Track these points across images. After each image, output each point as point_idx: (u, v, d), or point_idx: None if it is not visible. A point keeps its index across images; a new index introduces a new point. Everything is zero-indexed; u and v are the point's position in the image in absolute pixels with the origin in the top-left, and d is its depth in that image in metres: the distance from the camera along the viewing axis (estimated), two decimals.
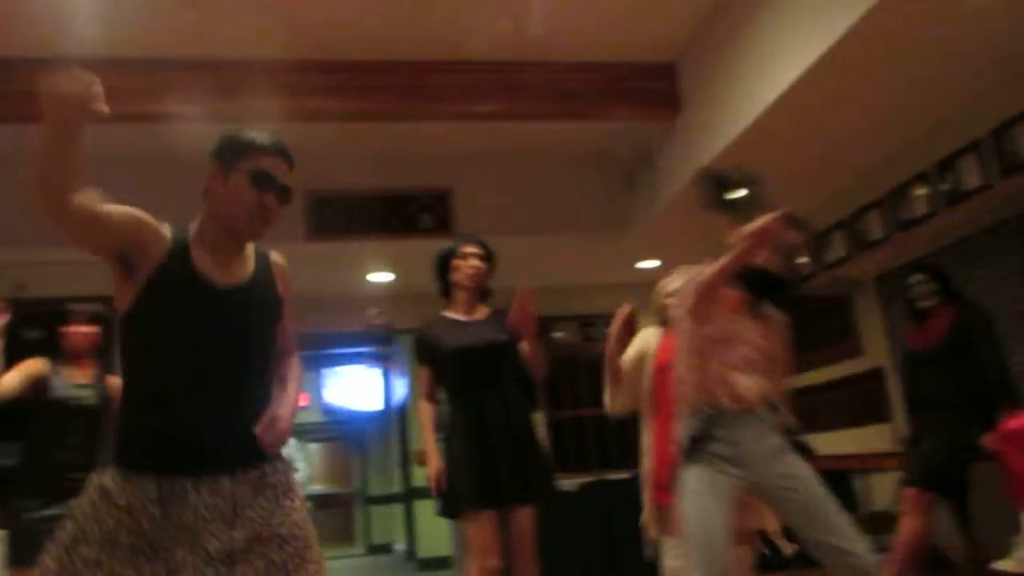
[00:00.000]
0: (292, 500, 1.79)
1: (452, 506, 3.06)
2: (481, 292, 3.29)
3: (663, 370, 2.98)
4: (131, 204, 1.73)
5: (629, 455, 6.94)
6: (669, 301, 3.21)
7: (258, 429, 1.73)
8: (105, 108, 1.50)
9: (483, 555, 2.97)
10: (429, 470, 3.11)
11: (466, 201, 5.62)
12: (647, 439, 3.17)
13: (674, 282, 2.92)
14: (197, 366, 1.73)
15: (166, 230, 1.78)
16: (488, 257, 3.29)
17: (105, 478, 1.69)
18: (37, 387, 3.20)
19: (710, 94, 4.57)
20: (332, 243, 5.29)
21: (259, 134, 1.86)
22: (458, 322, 3.22)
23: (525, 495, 3.03)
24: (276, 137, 1.87)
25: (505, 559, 3.05)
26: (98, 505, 1.65)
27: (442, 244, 3.37)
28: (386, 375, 10.46)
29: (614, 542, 5.25)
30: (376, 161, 5.47)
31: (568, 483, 5.68)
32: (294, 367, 2.02)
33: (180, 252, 1.76)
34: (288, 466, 1.84)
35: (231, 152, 1.82)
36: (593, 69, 4.70)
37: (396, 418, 10.42)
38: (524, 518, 3.04)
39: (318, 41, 4.25)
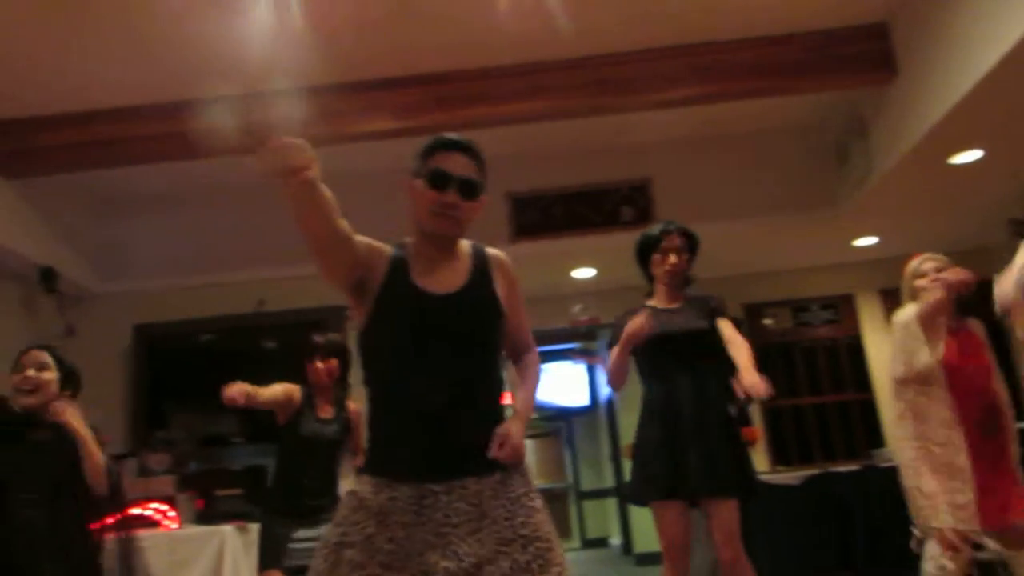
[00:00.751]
0: (533, 502, 1.79)
1: (638, 492, 3.01)
2: (682, 282, 3.24)
3: (956, 371, 2.87)
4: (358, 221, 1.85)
5: (855, 445, 6.61)
6: (921, 283, 3.06)
7: (492, 449, 1.75)
8: (312, 173, 1.60)
9: (670, 549, 2.92)
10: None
11: (666, 190, 5.55)
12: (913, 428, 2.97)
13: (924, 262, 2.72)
14: (429, 374, 1.77)
15: (388, 249, 1.86)
16: (690, 247, 3.22)
17: (361, 487, 1.78)
18: (290, 415, 3.45)
19: (930, 51, 4.20)
20: (535, 243, 5.41)
21: (443, 135, 1.88)
22: (657, 310, 3.19)
23: (716, 486, 2.90)
24: (457, 136, 1.88)
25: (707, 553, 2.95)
26: (357, 512, 1.74)
27: (637, 236, 3.34)
28: (592, 371, 10.54)
29: (847, 537, 4.95)
30: (573, 158, 5.54)
31: (788, 476, 5.45)
32: (531, 366, 2.01)
33: (400, 268, 1.83)
34: (527, 469, 1.84)
35: (418, 161, 1.87)
36: (792, 40, 4.48)
37: (604, 413, 10.47)
38: (724, 511, 2.90)
39: (509, 46, 4.36)
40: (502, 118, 4.60)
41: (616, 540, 10.67)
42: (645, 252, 3.25)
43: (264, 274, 5.42)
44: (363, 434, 3.29)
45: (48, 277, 5.06)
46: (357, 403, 3.47)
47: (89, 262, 5.58)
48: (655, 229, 3.24)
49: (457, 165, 1.84)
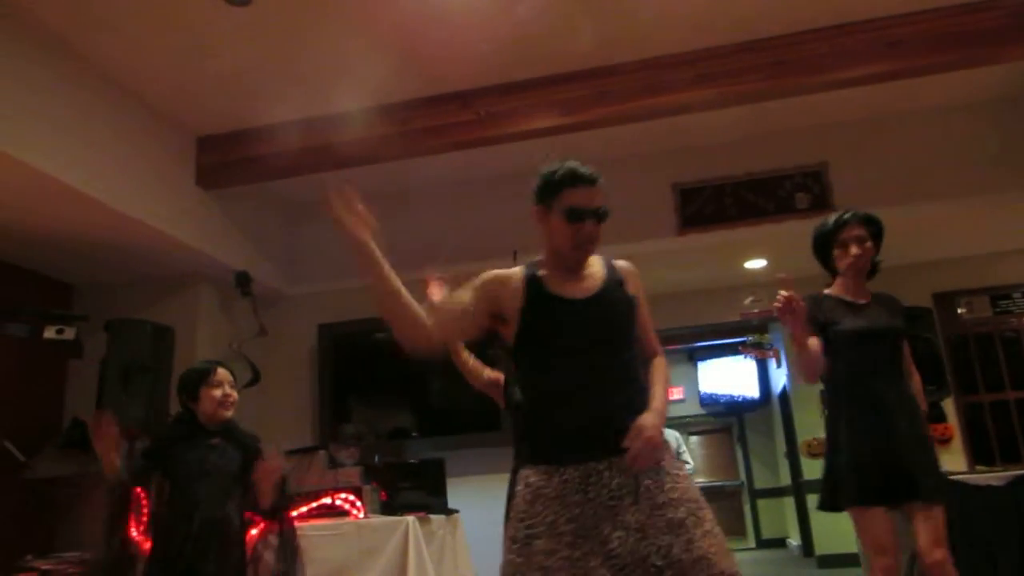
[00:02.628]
0: (679, 471, 1.99)
1: (835, 497, 2.87)
2: (868, 272, 3.06)
3: None
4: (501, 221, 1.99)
5: None
6: None
7: (627, 441, 1.89)
8: (363, 230, 2.04)
9: (881, 554, 2.78)
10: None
11: (844, 175, 5.24)
12: None
13: None
14: (579, 370, 1.99)
15: (517, 273, 2.11)
16: (873, 234, 3.03)
17: (529, 477, 1.97)
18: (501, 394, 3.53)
19: None
20: (704, 234, 5.28)
21: (565, 170, 2.07)
22: (849, 303, 3.02)
23: (927, 490, 2.76)
24: (580, 167, 2.07)
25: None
26: (535, 503, 1.92)
27: (813, 224, 3.18)
28: (763, 365, 10.17)
29: None
30: (742, 145, 5.35)
31: (991, 477, 5.04)
32: (660, 368, 2.16)
33: (535, 284, 2.07)
34: (668, 445, 2.02)
35: (545, 194, 2.09)
36: (994, 6, 4.09)
37: (778, 409, 10.09)
38: (933, 514, 2.77)
39: (675, 34, 4.27)
40: (668, 109, 4.51)
41: (794, 541, 10.27)
42: (824, 246, 3.10)
43: (439, 272, 5.60)
44: None
45: (243, 281, 5.45)
46: None
47: (279, 266, 5.98)
48: (830, 220, 3.08)
49: (587, 198, 2.05)
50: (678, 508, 1.91)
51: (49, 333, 4.34)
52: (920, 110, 5.19)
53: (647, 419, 1.93)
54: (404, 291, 2.01)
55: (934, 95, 5.03)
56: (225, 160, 5.06)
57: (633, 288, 2.13)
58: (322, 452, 4.60)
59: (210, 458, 2.99)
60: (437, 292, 3.28)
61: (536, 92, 4.56)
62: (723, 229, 5.30)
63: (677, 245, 5.37)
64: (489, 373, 3.51)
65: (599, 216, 2.05)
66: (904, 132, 5.25)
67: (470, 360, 3.39)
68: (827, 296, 3.07)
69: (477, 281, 2.10)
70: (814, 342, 2.92)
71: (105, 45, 4.10)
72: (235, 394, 3.13)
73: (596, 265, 2.13)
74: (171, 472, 2.99)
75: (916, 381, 3.00)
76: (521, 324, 2.04)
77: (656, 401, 2.03)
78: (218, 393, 3.03)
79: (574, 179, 2.06)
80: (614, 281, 2.10)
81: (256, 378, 5.62)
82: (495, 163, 5.28)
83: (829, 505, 2.93)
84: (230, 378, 3.15)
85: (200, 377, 3.06)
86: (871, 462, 2.80)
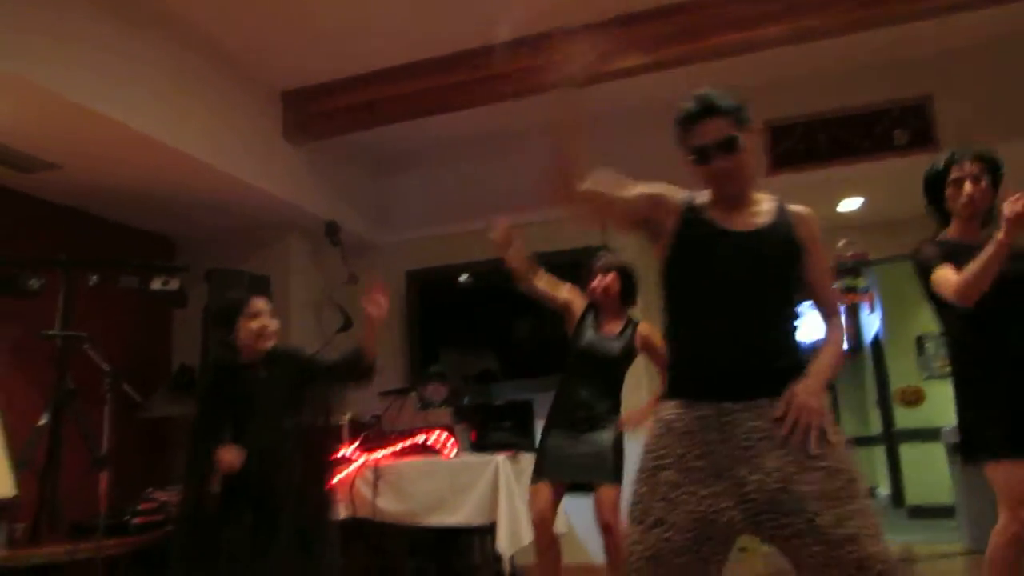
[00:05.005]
0: (836, 436, 1.87)
1: (974, 450, 2.74)
2: (986, 216, 2.86)
3: None
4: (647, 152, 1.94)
5: None
6: None
7: (778, 410, 1.84)
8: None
9: (1014, 508, 2.62)
10: None
11: (949, 109, 4.95)
12: None
13: None
14: (724, 305, 1.92)
15: (680, 195, 2.02)
16: (990, 172, 2.84)
17: (665, 411, 1.93)
18: (573, 326, 3.56)
19: None
20: (796, 174, 5.12)
21: (687, 107, 1.97)
22: (966, 246, 2.81)
23: None
24: (693, 103, 1.96)
25: None
26: (666, 436, 1.89)
27: (922, 161, 3.01)
28: (856, 310, 9.88)
29: None
30: (836, 80, 5.13)
31: None
32: (831, 330, 2.05)
33: (695, 210, 1.99)
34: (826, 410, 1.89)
35: (678, 141, 2.00)
36: None
37: (870, 356, 9.83)
38: None
39: None
40: (756, 44, 4.36)
41: (883, 491, 10.08)
42: (934, 188, 2.92)
43: (523, 218, 5.63)
44: (662, 357, 3.30)
45: (332, 231, 5.60)
46: (650, 328, 3.51)
47: (367, 215, 6.11)
48: (940, 160, 2.92)
49: (709, 132, 1.92)
50: (833, 478, 1.79)
51: (155, 284, 4.56)
52: None
53: (801, 386, 1.86)
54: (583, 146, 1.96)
55: None
56: (309, 114, 5.17)
57: (806, 234, 1.99)
58: (413, 394, 4.74)
59: (257, 392, 2.88)
60: (505, 237, 3.32)
61: (617, 32, 4.47)
62: (816, 168, 5.13)
63: (768, 186, 5.21)
64: (564, 292, 3.56)
65: (724, 147, 1.92)
66: (1018, 58, 4.90)
67: (542, 281, 3.45)
68: (947, 241, 2.90)
69: (650, 188, 2.03)
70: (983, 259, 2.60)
71: (195, 6, 4.21)
72: (274, 324, 3.01)
73: (765, 201, 2.02)
74: (224, 414, 2.90)
75: None
76: (672, 246, 1.98)
77: (817, 365, 1.93)
78: (255, 325, 2.90)
79: (691, 117, 1.95)
80: (783, 223, 1.97)
81: (348, 324, 5.80)
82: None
83: (967, 457, 2.81)
84: (268, 307, 3.02)
85: (236, 308, 2.91)
86: (1010, 413, 2.65)
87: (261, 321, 2.91)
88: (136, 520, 4.30)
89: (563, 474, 3.38)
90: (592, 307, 3.60)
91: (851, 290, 8.61)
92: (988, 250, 2.52)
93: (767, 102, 5.24)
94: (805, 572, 1.81)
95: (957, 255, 2.74)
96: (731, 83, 5.35)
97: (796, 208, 2.05)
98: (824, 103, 5.17)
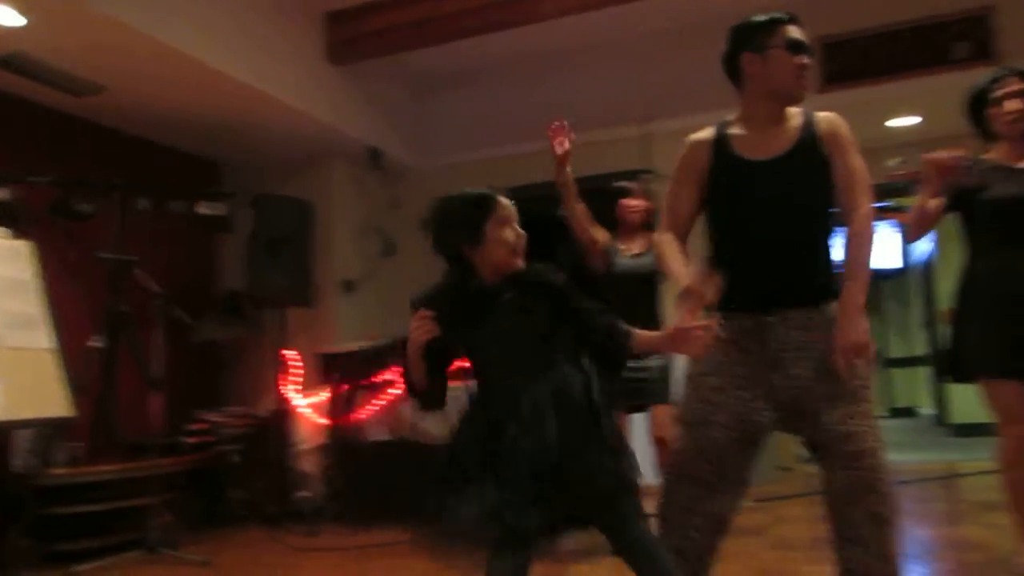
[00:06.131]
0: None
1: (966, 369, 2.77)
2: None
3: None
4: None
5: None
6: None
7: (835, 355, 2.00)
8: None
9: (1009, 423, 2.70)
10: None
11: (1012, 20, 4.70)
12: None
13: None
14: (756, 230, 2.10)
15: (707, 136, 2.19)
16: None
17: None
18: (600, 258, 3.61)
19: None
20: (850, 90, 4.93)
21: (778, 12, 2.14)
22: (1005, 168, 2.78)
23: None
24: (785, 12, 2.14)
25: None
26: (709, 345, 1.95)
27: (982, 76, 2.91)
28: (905, 230, 9.66)
29: None
30: None
31: None
32: (858, 232, 2.08)
33: (723, 145, 2.16)
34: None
35: (761, 35, 2.12)
36: None
37: (918, 277, 9.66)
38: None
39: None
40: None
41: (926, 410, 10.06)
42: (978, 104, 2.86)
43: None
44: None
45: (374, 156, 5.59)
46: None
47: (409, 140, 6.07)
48: (984, 79, 2.85)
49: (803, 34, 2.12)
50: (844, 383, 2.02)
51: (202, 209, 4.63)
52: None
53: (846, 321, 2.01)
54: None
55: None
56: (353, 34, 5.11)
57: (831, 143, 2.10)
58: None
59: (507, 326, 1.93)
60: (561, 144, 3.25)
61: None
62: (869, 85, 4.93)
63: (819, 103, 5.05)
64: (595, 232, 3.57)
65: (811, 50, 2.14)
66: None
67: (580, 207, 3.45)
68: (981, 159, 2.85)
69: (677, 162, 2.22)
70: (933, 203, 2.75)
71: None
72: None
73: (795, 119, 2.14)
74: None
75: None
76: (708, 184, 2.17)
77: (851, 288, 2.05)
78: (511, 234, 1.96)
79: (791, 17, 2.13)
80: (808, 139, 2.10)
81: (392, 250, 5.85)
82: (615, 27, 5.09)
83: (959, 376, 2.82)
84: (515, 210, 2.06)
85: (485, 209, 1.95)
86: (1004, 335, 2.67)
87: (516, 230, 1.99)
88: (190, 440, 4.47)
89: (618, 404, 3.45)
90: (613, 236, 3.67)
91: (900, 209, 8.40)
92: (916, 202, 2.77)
93: (821, 17, 5.00)
94: (820, 463, 2.09)
95: (990, 176, 2.75)
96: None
97: (822, 116, 2.15)
98: (880, 17, 4.93)
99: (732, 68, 2.20)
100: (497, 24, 4.79)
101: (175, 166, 5.52)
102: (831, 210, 2.13)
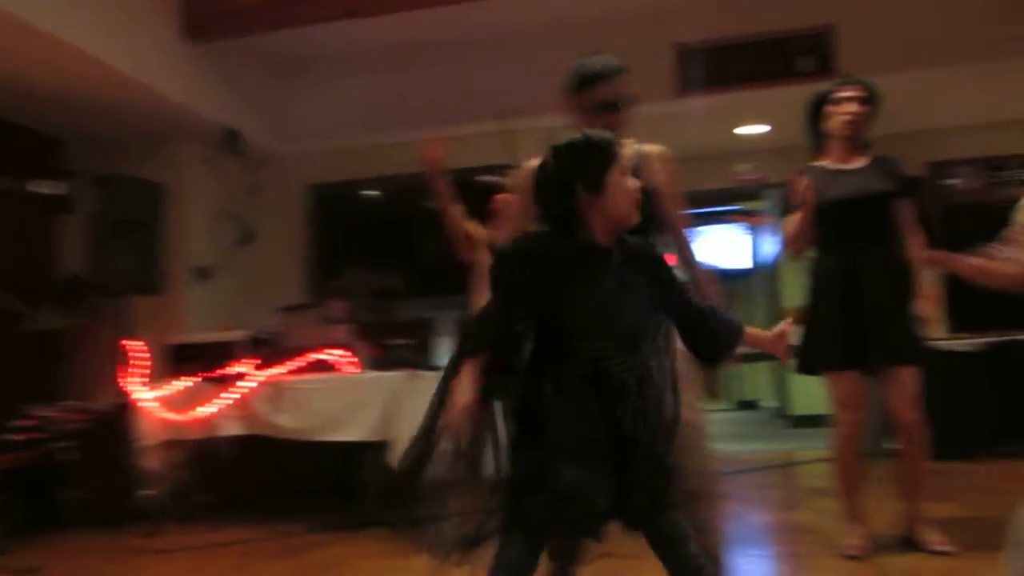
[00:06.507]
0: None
1: (812, 363, 3.00)
2: (859, 139, 3.04)
3: None
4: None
5: None
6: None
7: None
8: None
9: (845, 410, 2.96)
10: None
11: (851, 38, 5.04)
12: None
13: None
14: None
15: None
16: (869, 99, 3.00)
17: None
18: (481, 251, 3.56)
19: None
20: (702, 97, 5.14)
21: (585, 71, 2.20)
22: (834, 171, 3.02)
23: (899, 355, 2.89)
24: (597, 65, 2.20)
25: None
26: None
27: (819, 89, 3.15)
28: (755, 233, 10.21)
29: None
30: (746, 4, 5.13)
31: (968, 343, 5.24)
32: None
33: None
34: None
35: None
36: None
37: (765, 277, 10.22)
38: (906, 377, 2.91)
39: None
40: None
41: (768, 403, 10.66)
42: (816, 106, 3.10)
43: (432, 133, 5.51)
44: None
45: (231, 138, 5.36)
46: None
47: (269, 124, 5.84)
48: (825, 86, 3.10)
49: (610, 92, 2.16)
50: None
51: (37, 187, 4.31)
52: None
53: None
54: None
55: None
56: (214, 11, 4.86)
57: (654, 175, 2.13)
58: (314, 309, 4.67)
59: (612, 291, 1.70)
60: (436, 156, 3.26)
61: None
62: (722, 92, 5.17)
63: (675, 108, 5.27)
64: (469, 226, 3.57)
65: (615, 107, 2.20)
66: None
67: (455, 208, 3.44)
68: (812, 167, 3.07)
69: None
70: (792, 219, 2.97)
71: None
72: None
73: (629, 149, 2.11)
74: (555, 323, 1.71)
75: (915, 242, 3.01)
76: None
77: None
78: (633, 184, 1.75)
79: (591, 79, 2.20)
80: (638, 170, 2.05)
81: (250, 237, 5.65)
82: (484, 20, 5.12)
83: (806, 369, 3.04)
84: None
85: (608, 154, 1.73)
86: (844, 330, 2.90)
87: (636, 182, 1.79)
88: (16, 437, 4.16)
89: None
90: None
91: (750, 213, 8.89)
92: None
93: (676, 24, 5.20)
94: None
95: (821, 182, 2.96)
96: (643, 1, 5.32)
97: (649, 149, 2.21)
98: (732, 28, 5.17)
99: None
100: (371, 9, 4.69)
101: (13, 141, 5.08)
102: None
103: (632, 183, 1.75)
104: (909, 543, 3.00)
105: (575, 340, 1.68)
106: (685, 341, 1.81)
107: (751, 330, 1.85)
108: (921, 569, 2.78)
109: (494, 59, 5.49)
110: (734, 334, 1.80)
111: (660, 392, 1.72)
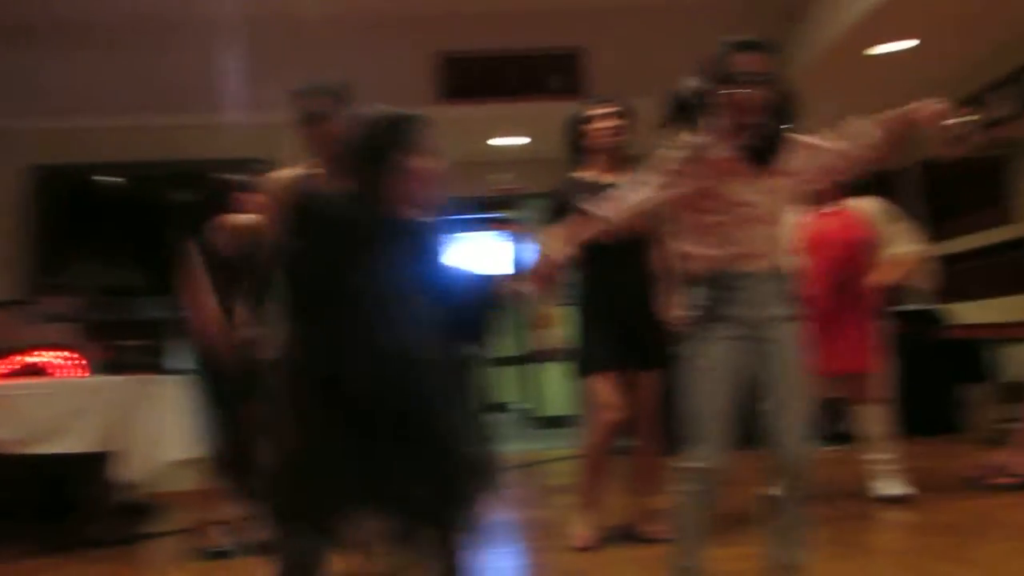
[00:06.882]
0: None
1: (583, 366, 3.17)
2: (621, 153, 3.20)
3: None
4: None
5: None
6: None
7: None
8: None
9: (606, 409, 3.11)
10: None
11: (598, 61, 5.39)
12: None
13: None
14: None
15: None
16: (624, 115, 3.18)
17: None
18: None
19: None
20: (462, 106, 5.24)
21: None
22: (594, 183, 3.16)
23: (649, 360, 3.10)
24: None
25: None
26: None
27: (572, 106, 3.28)
28: (514, 240, 10.57)
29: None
30: (506, 19, 5.30)
31: None
32: None
33: None
34: None
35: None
36: None
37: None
38: (650, 380, 3.13)
39: None
40: None
41: (517, 405, 11.07)
42: (573, 127, 3.21)
43: (180, 119, 5.15)
44: None
45: None
46: None
47: None
48: (585, 104, 3.23)
49: (307, 105, 2.39)
50: None
51: None
52: (677, 4, 5.32)
53: None
54: None
55: None
56: None
57: None
58: (28, 306, 4.19)
59: (405, 266, 1.80)
60: None
61: None
62: (481, 103, 5.31)
63: (435, 115, 5.32)
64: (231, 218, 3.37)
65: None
66: (660, 24, 5.37)
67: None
68: (571, 179, 3.20)
69: None
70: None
71: None
72: None
73: None
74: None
75: (666, 253, 3.21)
76: None
77: None
78: (436, 165, 1.83)
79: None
80: None
81: None
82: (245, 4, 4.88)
83: (585, 370, 3.19)
84: None
85: (407, 135, 1.81)
86: (607, 334, 3.09)
87: (436, 161, 1.90)
88: None
89: None
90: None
91: (508, 221, 9.19)
92: None
93: (439, 32, 5.27)
94: None
95: (583, 194, 3.03)
96: (405, 8, 5.32)
97: None
98: (492, 41, 5.33)
99: None
100: None
101: None
102: None
103: (432, 165, 1.81)
104: (631, 534, 3.20)
105: (355, 308, 1.67)
106: (449, 321, 1.82)
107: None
108: (644, 556, 2.97)
109: (251, 48, 5.23)
110: (490, 308, 1.95)
111: (443, 376, 1.69)
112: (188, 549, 3.34)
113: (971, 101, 5.12)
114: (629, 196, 2.14)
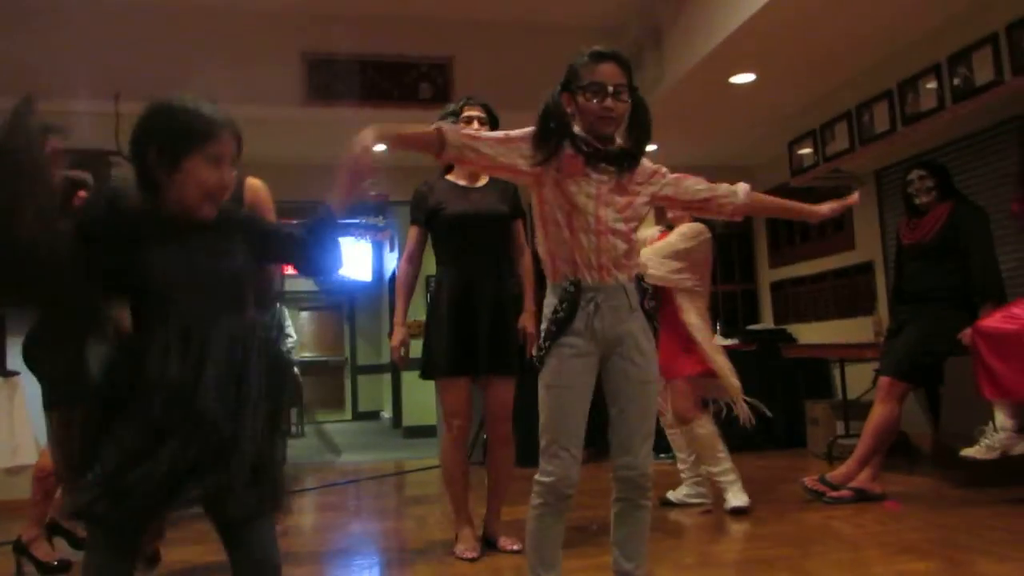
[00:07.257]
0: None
1: (430, 369, 3.17)
2: None
3: None
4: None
5: None
6: None
7: None
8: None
9: (453, 416, 3.13)
10: (392, 340, 3.18)
11: (467, 72, 5.43)
12: None
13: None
14: None
15: None
16: (492, 122, 3.23)
17: None
18: None
19: None
20: (329, 108, 5.15)
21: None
22: (460, 187, 3.20)
23: (500, 366, 3.11)
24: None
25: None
26: None
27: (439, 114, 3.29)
28: (378, 247, 10.47)
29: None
30: (377, 24, 5.25)
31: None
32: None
33: None
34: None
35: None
36: None
37: (387, 290, 10.53)
38: (500, 388, 3.15)
39: None
40: None
41: (387, 414, 10.98)
42: (445, 120, 3.22)
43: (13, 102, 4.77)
44: None
45: None
46: None
47: None
48: (458, 102, 3.24)
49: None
50: None
51: None
52: (546, 23, 5.42)
53: None
54: None
55: (559, 10, 5.33)
56: None
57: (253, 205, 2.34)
58: None
59: (201, 263, 1.63)
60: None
61: None
62: (349, 107, 5.22)
63: (301, 116, 5.22)
64: None
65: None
66: (528, 41, 5.45)
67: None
68: (437, 182, 3.23)
69: None
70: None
71: None
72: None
73: None
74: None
75: (527, 260, 3.25)
76: None
77: None
78: (212, 176, 1.62)
79: None
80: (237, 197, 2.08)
81: None
82: None
83: (425, 374, 3.17)
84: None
85: (198, 133, 1.61)
86: (457, 339, 3.07)
87: (224, 172, 1.68)
88: None
89: None
90: None
91: (373, 228, 9.10)
92: None
93: (310, 32, 5.16)
94: None
95: (446, 195, 3.17)
96: (272, 4, 5.16)
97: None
98: (362, 45, 5.25)
99: None
100: None
101: None
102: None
103: (217, 177, 1.62)
104: (489, 544, 3.19)
105: (157, 306, 1.57)
106: (303, 267, 1.81)
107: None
108: (501, 567, 2.98)
109: (105, 33, 4.93)
110: (335, 243, 1.82)
111: (258, 376, 1.58)
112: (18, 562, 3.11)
113: (809, 135, 5.54)
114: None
